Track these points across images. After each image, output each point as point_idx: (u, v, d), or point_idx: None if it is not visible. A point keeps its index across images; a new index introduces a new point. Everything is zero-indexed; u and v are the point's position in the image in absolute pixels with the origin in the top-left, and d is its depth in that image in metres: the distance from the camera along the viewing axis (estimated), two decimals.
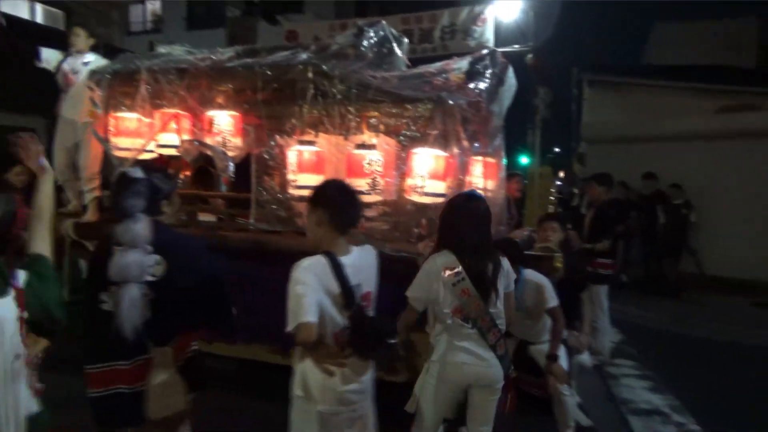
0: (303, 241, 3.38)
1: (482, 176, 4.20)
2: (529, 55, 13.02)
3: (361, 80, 3.69)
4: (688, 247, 9.21)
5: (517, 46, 13.01)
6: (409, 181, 3.56)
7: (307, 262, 2.15)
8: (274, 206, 3.88)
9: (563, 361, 3.61)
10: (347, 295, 2.16)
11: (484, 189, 4.11)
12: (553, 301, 3.52)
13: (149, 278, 2.24)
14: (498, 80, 4.21)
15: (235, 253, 3.74)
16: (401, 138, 3.60)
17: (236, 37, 8.22)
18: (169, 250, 2.30)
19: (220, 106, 3.97)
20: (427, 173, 3.50)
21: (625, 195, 9.81)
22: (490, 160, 4.23)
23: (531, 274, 3.55)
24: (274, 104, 3.86)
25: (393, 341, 2.24)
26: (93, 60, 4.51)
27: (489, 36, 10.28)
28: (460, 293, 2.69)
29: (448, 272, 2.68)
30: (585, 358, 4.26)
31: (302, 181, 3.68)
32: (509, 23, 12.25)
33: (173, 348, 2.33)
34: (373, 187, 3.56)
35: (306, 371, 2.24)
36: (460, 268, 2.69)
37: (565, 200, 10.89)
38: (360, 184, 3.53)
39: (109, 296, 2.24)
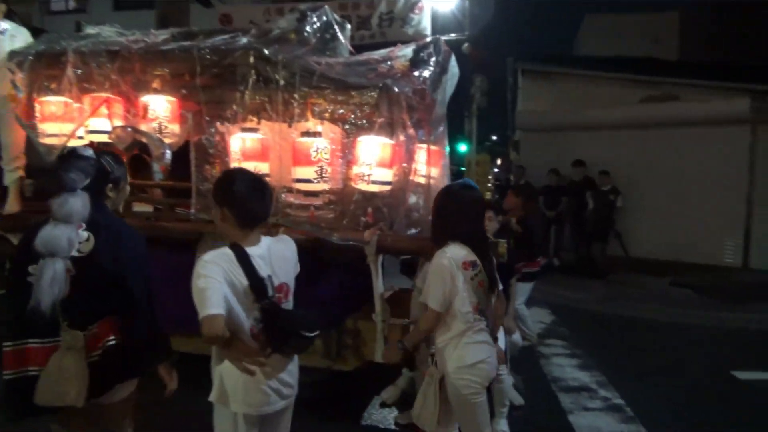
0: None
1: (426, 163, 4.27)
2: (466, 44, 13.32)
3: (305, 66, 3.68)
4: (614, 231, 9.76)
5: (453, 34, 13.29)
6: (356, 170, 3.59)
7: (209, 255, 2.07)
8: None
9: (501, 342, 3.80)
10: (256, 287, 2.07)
11: (428, 176, 4.20)
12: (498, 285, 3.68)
13: (75, 254, 2.14)
14: (441, 68, 4.30)
15: (175, 245, 3.74)
16: (347, 126, 3.64)
17: (167, 19, 7.94)
18: (102, 230, 2.21)
19: (156, 91, 3.88)
20: (374, 161, 3.55)
21: (557, 182, 10.32)
22: (433, 147, 4.36)
23: None
24: (213, 89, 3.81)
25: (312, 334, 2.10)
26: (9, 28, 4.23)
27: (426, 24, 10.42)
28: (477, 286, 2.63)
29: (467, 265, 2.61)
30: (517, 337, 4.49)
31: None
32: (446, 12, 12.45)
33: (88, 335, 2.16)
34: (321, 175, 3.58)
35: (223, 374, 2.19)
36: (477, 260, 2.63)
37: (502, 187, 11.27)
38: (307, 172, 3.56)
39: (35, 269, 2.12)
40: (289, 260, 2.28)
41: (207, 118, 3.81)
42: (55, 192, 2.17)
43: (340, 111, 3.64)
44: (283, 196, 3.70)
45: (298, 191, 3.69)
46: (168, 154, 3.85)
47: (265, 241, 2.22)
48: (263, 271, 2.11)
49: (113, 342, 2.20)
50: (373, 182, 3.56)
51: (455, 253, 2.62)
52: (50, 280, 2.06)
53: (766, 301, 7.88)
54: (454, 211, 2.71)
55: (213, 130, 3.81)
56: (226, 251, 2.09)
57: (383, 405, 4.19)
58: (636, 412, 4.23)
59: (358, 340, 3.81)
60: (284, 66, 3.65)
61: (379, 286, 3.65)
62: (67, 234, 2.11)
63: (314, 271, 3.10)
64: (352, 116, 3.62)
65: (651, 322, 7.09)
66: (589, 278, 9.33)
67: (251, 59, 3.69)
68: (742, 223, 9.56)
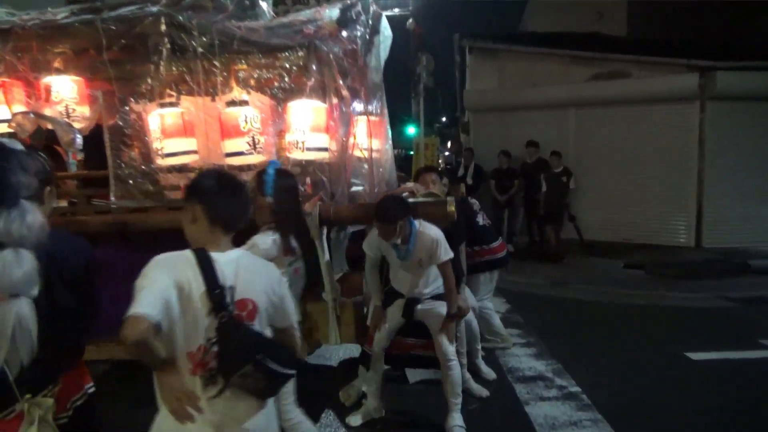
0: (175, 216, 3.26)
1: (368, 135, 4.23)
2: (410, 21, 13.30)
3: (223, 31, 3.55)
4: (568, 214, 9.97)
5: (397, 10, 13.22)
6: (288, 137, 3.50)
7: (164, 256, 1.86)
8: (139, 180, 3.68)
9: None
10: (214, 294, 1.83)
11: (370, 149, 4.16)
12: (446, 255, 3.58)
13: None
14: (372, 29, 4.25)
15: (96, 239, 3.52)
16: (275, 91, 3.55)
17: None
18: (46, 252, 1.81)
19: (59, 71, 3.67)
20: (307, 127, 3.45)
21: (508, 164, 10.44)
22: (373, 118, 4.29)
23: (425, 226, 3.59)
24: (124, 64, 3.65)
25: (286, 371, 1.88)
26: None
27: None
28: (292, 273, 2.97)
29: (286, 252, 2.87)
30: (471, 318, 4.48)
31: (170, 147, 3.53)
32: None
33: (57, 393, 1.87)
34: (254, 146, 3.47)
35: (161, 424, 1.88)
36: (296, 247, 2.96)
37: (453, 170, 11.32)
38: (238, 144, 3.45)
39: None
40: (260, 277, 2.01)
41: (120, 96, 3.65)
42: None
43: (267, 76, 3.55)
44: None
45: (232, 167, 3.54)
46: (79, 139, 3.65)
47: (237, 252, 2.01)
48: (226, 279, 1.89)
49: (83, 398, 1.97)
50: (308, 149, 3.47)
51: (267, 240, 2.74)
52: (19, 331, 1.73)
53: (719, 278, 8.25)
54: (270, 196, 2.82)
55: (127, 108, 3.65)
56: (186, 253, 1.89)
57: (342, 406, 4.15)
58: (592, 399, 4.32)
59: (309, 325, 3.70)
60: (201, 32, 3.51)
61: (326, 261, 3.57)
62: (28, 263, 1.74)
63: None
64: (280, 81, 3.53)
65: (605, 306, 7.28)
66: (544, 263, 9.51)
67: (163, 27, 3.54)
68: (694, 201, 9.96)
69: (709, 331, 6.18)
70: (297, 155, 3.50)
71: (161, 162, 3.59)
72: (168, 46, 3.54)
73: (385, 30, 4.43)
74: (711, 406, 4.25)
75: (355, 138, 4.00)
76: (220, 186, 2.00)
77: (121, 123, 3.67)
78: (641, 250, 9.92)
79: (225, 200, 1.99)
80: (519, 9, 21.21)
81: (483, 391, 4.39)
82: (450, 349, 3.69)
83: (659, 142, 10.11)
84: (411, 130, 15.88)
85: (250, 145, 3.46)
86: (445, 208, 3.69)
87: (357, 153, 4.08)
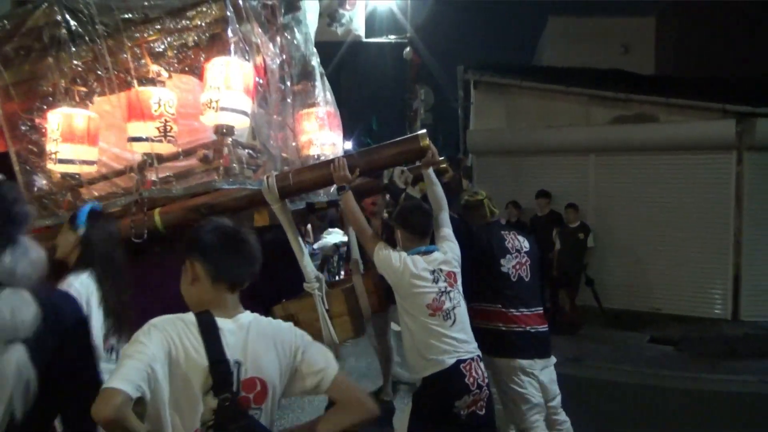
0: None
1: (318, 128, 4.38)
2: (407, 49, 13.57)
3: (123, 4, 3.59)
4: (585, 277, 9.92)
5: (393, 37, 13.50)
6: (202, 98, 3.47)
7: (160, 319, 1.87)
8: (54, 193, 3.68)
9: None
10: (217, 371, 1.82)
11: (323, 144, 4.32)
12: None
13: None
14: None
15: None
16: (189, 51, 3.61)
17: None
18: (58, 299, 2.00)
19: None
20: (222, 83, 3.40)
21: (518, 217, 10.44)
22: (317, 109, 4.42)
23: None
24: (20, 65, 3.70)
25: None
26: None
27: (359, 24, 10.50)
28: None
29: None
30: None
31: (66, 153, 3.52)
32: (384, 10, 12.65)
33: None
34: (165, 133, 3.46)
35: None
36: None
37: (452, 218, 11.30)
38: (146, 128, 3.44)
39: None
40: (273, 347, 1.99)
41: (21, 102, 3.68)
42: None
43: (182, 41, 3.60)
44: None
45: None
46: None
47: (247, 317, 2.02)
48: (232, 352, 1.88)
49: None
50: (223, 109, 3.40)
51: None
52: (17, 379, 1.77)
53: (761, 358, 8.14)
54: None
55: (32, 114, 3.66)
56: (188, 317, 1.90)
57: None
58: None
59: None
60: (99, 10, 3.55)
61: (298, 243, 3.58)
62: (33, 304, 1.83)
63: None
64: (197, 44, 3.58)
65: (628, 388, 7.15)
66: (556, 334, 9.39)
67: (57, 16, 3.57)
68: (730, 266, 9.96)
69: (751, 422, 6.07)
70: (210, 117, 3.44)
71: (52, 167, 3.57)
72: (66, 35, 3.57)
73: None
74: None
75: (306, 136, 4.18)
76: (221, 239, 2.01)
77: (26, 131, 3.69)
78: (670, 321, 9.86)
79: (229, 255, 2.00)
80: (533, 39, 21.68)
81: None
82: None
83: (691, 196, 10.17)
84: None
85: (159, 131, 3.44)
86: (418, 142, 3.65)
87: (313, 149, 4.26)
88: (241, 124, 3.52)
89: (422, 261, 3.57)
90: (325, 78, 4.56)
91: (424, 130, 3.81)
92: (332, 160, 3.54)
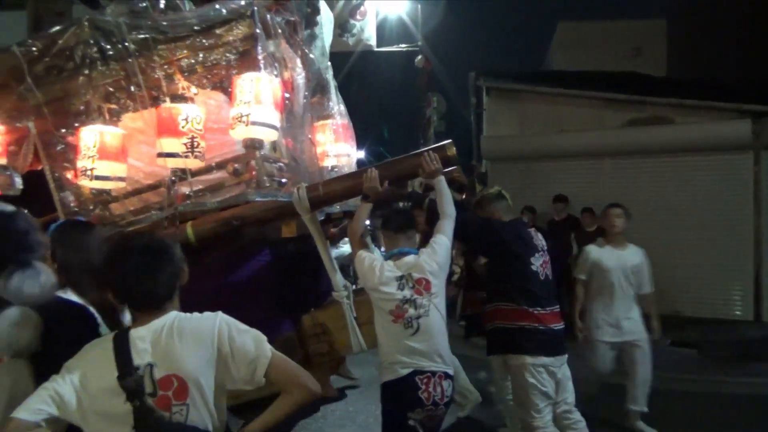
0: None
1: (333, 140, 4.47)
2: (419, 57, 13.65)
3: (153, 24, 3.67)
4: None
5: (404, 45, 13.59)
6: (232, 112, 3.54)
7: (88, 346, 2.02)
8: (91, 209, 3.74)
9: None
10: (125, 380, 1.90)
11: (337, 155, 4.44)
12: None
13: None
14: (313, 8, 4.42)
15: None
16: (221, 71, 3.66)
17: (42, 21, 7.84)
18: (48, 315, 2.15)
19: None
20: (252, 99, 3.47)
21: (534, 222, 10.45)
22: (332, 121, 4.53)
23: None
24: (53, 84, 3.79)
25: None
26: None
27: (370, 33, 10.62)
28: None
29: None
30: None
31: (103, 170, 3.60)
32: (394, 18, 12.72)
33: None
34: (192, 149, 3.53)
35: None
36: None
37: None
38: (174, 144, 3.51)
39: None
40: (188, 341, 2.00)
41: (54, 120, 3.75)
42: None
43: (213, 58, 3.66)
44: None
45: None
46: (18, 179, 3.76)
47: (165, 318, 2.04)
48: (142, 357, 1.95)
49: None
50: (254, 123, 3.46)
51: None
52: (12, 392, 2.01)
53: None
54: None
55: (64, 131, 3.74)
56: (107, 339, 2.02)
57: None
58: None
59: (328, 338, 3.72)
60: (130, 28, 3.64)
61: (327, 253, 3.65)
62: (36, 323, 2.06)
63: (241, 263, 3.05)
64: (227, 60, 3.64)
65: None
66: (574, 339, 9.38)
67: (87, 32, 3.66)
68: (750, 267, 9.92)
69: None
70: (240, 131, 3.50)
71: (88, 183, 3.63)
72: (97, 54, 3.66)
73: (325, 10, 4.63)
74: None
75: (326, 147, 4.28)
76: (119, 265, 2.05)
77: (61, 150, 3.77)
78: (691, 324, 9.79)
79: (127, 282, 2.03)
80: (544, 45, 21.74)
81: None
82: None
83: (708, 197, 10.16)
84: None
85: (187, 147, 3.51)
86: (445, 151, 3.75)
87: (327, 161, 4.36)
88: (270, 138, 3.58)
89: (391, 266, 3.56)
90: (337, 90, 4.66)
91: (450, 140, 3.89)
92: (363, 171, 3.62)
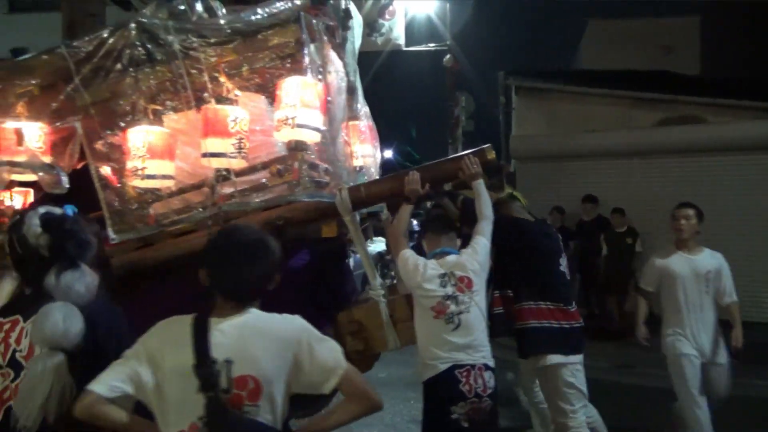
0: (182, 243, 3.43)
1: (359, 141, 4.52)
2: (447, 57, 13.65)
3: (198, 27, 3.72)
4: (634, 282, 9.84)
5: (432, 45, 13.60)
6: (278, 114, 3.57)
7: (164, 322, 2.10)
8: (135, 207, 3.78)
9: None
10: (201, 370, 1.93)
11: (364, 156, 4.48)
12: None
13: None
14: (345, 12, 4.42)
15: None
16: (267, 75, 3.71)
17: (76, 25, 7.98)
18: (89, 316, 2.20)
19: (23, 115, 3.91)
20: (298, 102, 3.50)
21: (562, 222, 10.42)
22: (359, 122, 4.56)
23: None
24: (99, 85, 3.83)
25: None
26: None
27: (399, 33, 10.65)
28: None
29: None
30: None
31: (152, 169, 3.64)
32: (423, 18, 12.75)
33: None
34: (239, 150, 3.58)
35: None
36: None
37: None
38: (224, 145, 3.55)
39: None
40: (268, 344, 2.05)
41: (101, 120, 3.80)
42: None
43: (257, 61, 3.71)
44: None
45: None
46: (64, 178, 3.82)
47: (246, 315, 2.10)
48: (220, 351, 1.98)
49: None
50: (299, 125, 3.50)
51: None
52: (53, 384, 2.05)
53: None
54: None
55: (110, 132, 3.80)
56: (184, 318, 2.07)
57: None
58: None
59: (365, 335, 3.76)
60: (176, 30, 3.68)
61: (366, 252, 3.77)
62: (81, 319, 2.12)
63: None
64: (273, 64, 3.68)
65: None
66: (604, 340, 9.35)
67: (134, 34, 3.71)
68: None
69: None
70: (286, 133, 3.54)
71: (138, 183, 3.69)
72: (144, 56, 3.72)
73: (357, 16, 4.64)
74: None
75: (356, 147, 4.34)
76: (224, 250, 2.16)
77: (106, 150, 3.82)
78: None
79: (226, 268, 2.12)
80: (573, 43, 21.57)
81: None
82: None
83: (740, 198, 10.04)
84: None
85: (235, 147, 3.55)
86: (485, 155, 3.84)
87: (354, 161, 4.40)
88: (314, 140, 3.63)
89: (434, 264, 3.69)
90: (362, 91, 4.70)
91: (489, 144, 3.96)
92: (404, 174, 3.74)
